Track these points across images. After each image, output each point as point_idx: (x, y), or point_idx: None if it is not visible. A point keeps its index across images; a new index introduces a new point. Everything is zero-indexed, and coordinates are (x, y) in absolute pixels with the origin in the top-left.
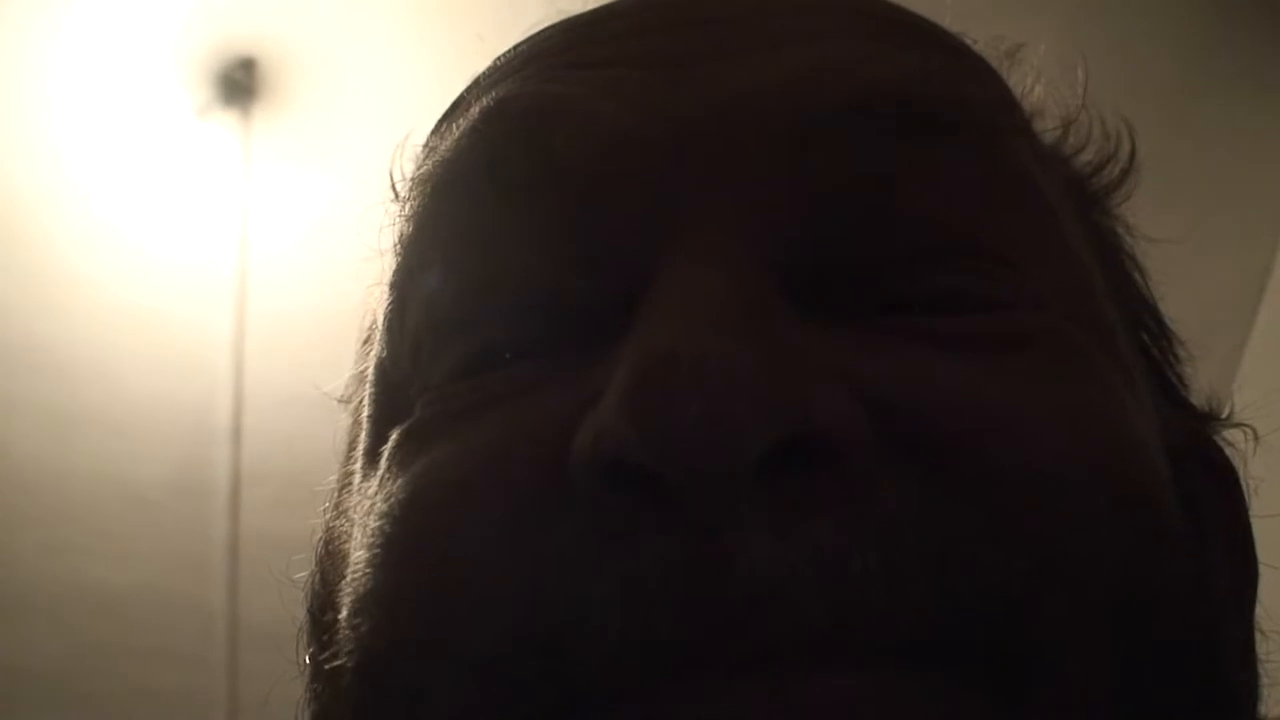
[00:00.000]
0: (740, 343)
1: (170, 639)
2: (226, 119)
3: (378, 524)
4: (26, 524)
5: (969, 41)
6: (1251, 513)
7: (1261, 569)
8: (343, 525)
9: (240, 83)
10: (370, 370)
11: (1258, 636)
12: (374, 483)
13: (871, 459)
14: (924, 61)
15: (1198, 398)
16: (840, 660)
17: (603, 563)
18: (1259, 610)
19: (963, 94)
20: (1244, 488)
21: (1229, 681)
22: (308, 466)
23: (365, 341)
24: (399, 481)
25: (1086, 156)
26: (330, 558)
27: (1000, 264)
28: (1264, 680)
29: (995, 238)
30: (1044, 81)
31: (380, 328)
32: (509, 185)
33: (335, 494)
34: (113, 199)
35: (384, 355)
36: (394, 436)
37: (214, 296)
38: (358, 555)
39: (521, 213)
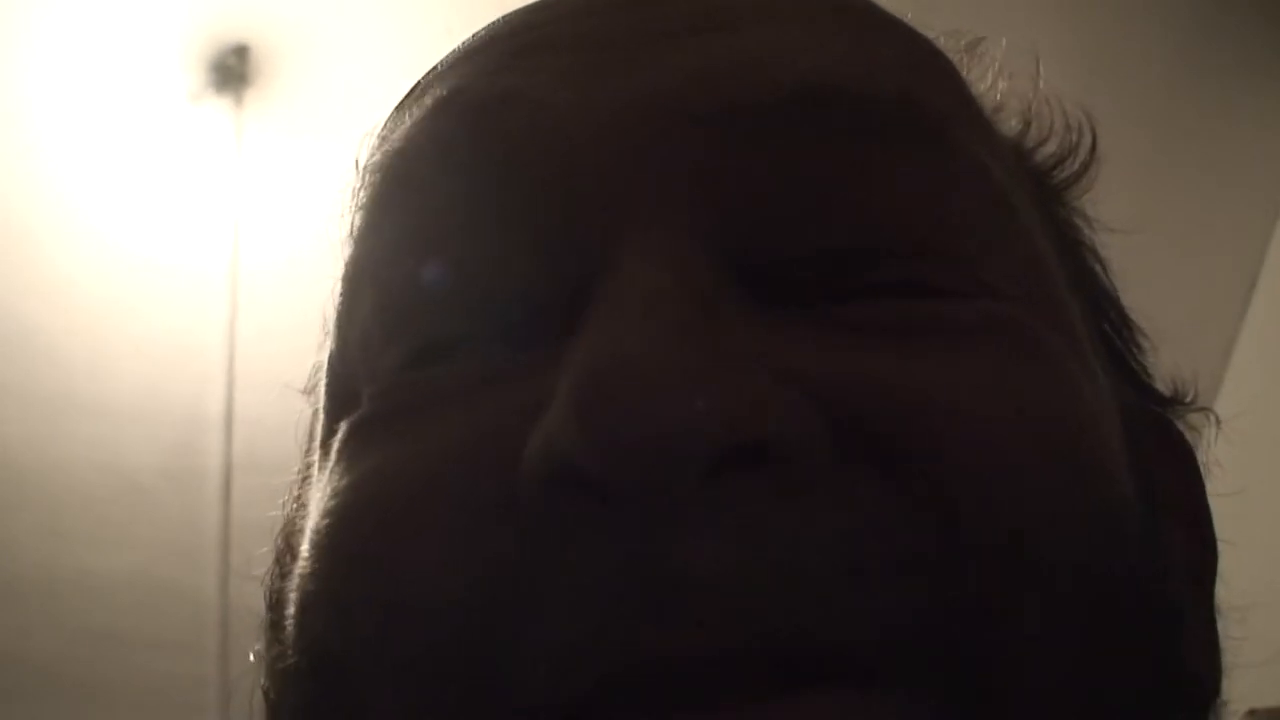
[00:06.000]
0: (689, 344)
1: (162, 625)
2: (219, 105)
3: (324, 522)
4: (19, 510)
5: (927, 33)
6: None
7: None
8: (301, 519)
9: (233, 69)
10: (325, 362)
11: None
12: (324, 476)
13: (825, 460)
14: (873, 51)
15: (1163, 384)
16: (800, 680)
17: (552, 570)
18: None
19: (911, 85)
20: (1204, 470)
21: (1192, 665)
22: (300, 454)
23: (326, 332)
24: (345, 480)
25: (1048, 149)
26: (289, 552)
27: (952, 255)
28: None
29: (946, 229)
30: (1006, 75)
31: (332, 320)
32: (460, 178)
33: (296, 486)
34: (105, 185)
35: (334, 348)
36: (341, 430)
37: (206, 283)
38: (304, 552)
39: (472, 206)
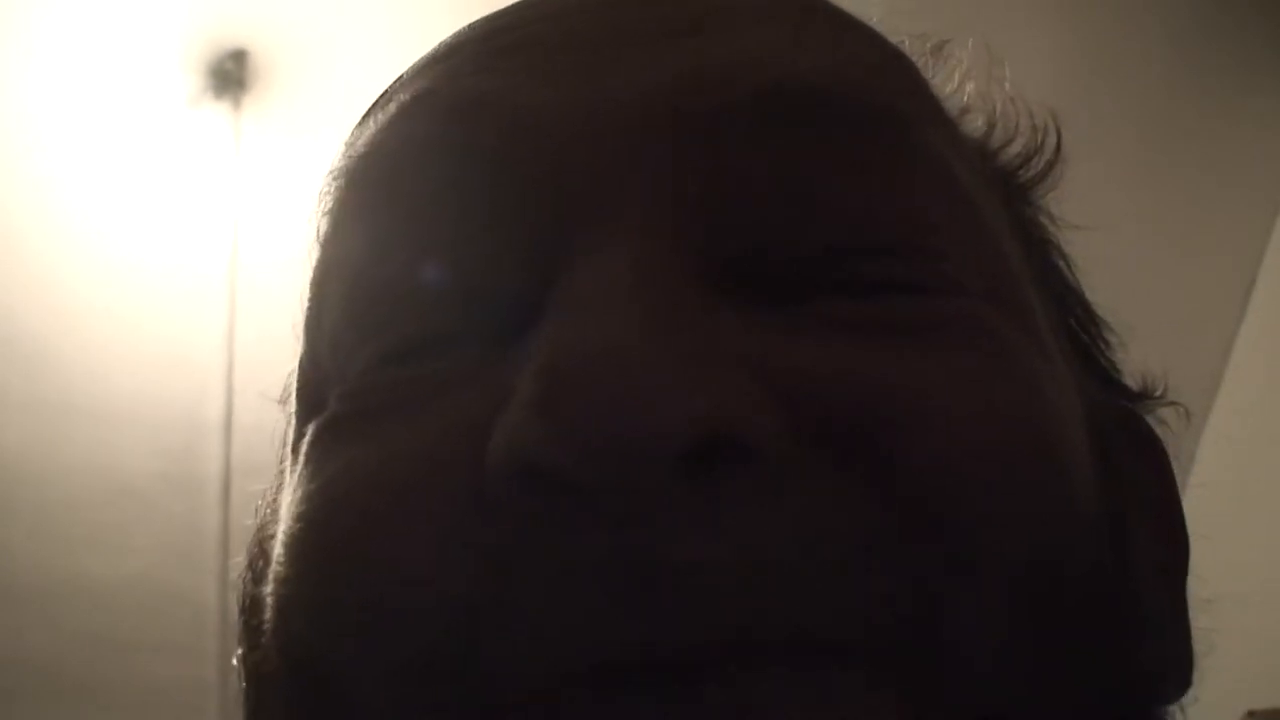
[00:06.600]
0: (652, 338)
1: (162, 630)
2: (218, 109)
3: (295, 526)
4: (18, 515)
5: (899, 34)
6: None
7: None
8: (275, 524)
9: (231, 74)
10: (296, 368)
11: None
12: (293, 480)
13: (787, 454)
14: (840, 53)
15: (1133, 379)
16: (767, 660)
17: (534, 564)
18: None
19: (877, 85)
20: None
21: (1150, 655)
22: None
23: (296, 337)
24: (315, 483)
25: (1014, 149)
26: (263, 557)
27: (917, 251)
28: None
29: (919, 228)
30: (972, 77)
31: (301, 326)
32: (429, 180)
33: (271, 492)
34: (104, 190)
35: (304, 353)
36: (309, 432)
37: (205, 288)
38: (277, 555)
39: (441, 206)
